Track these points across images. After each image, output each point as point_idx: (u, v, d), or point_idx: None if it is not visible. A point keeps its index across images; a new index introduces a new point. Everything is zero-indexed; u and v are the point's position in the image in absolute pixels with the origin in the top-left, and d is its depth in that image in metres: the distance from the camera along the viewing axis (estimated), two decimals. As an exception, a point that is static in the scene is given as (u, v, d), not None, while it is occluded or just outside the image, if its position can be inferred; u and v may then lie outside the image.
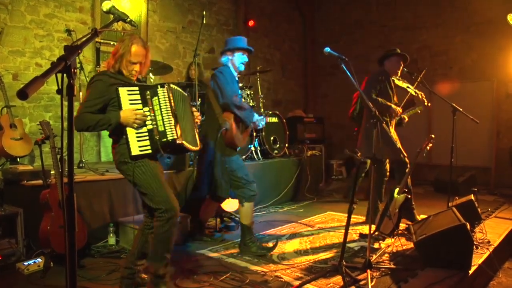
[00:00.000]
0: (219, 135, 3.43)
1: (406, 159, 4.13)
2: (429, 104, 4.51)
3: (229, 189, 3.56)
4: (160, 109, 2.49)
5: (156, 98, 2.50)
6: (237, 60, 3.56)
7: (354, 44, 8.61)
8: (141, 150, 2.45)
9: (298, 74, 9.22)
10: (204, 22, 5.13)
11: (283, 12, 8.76)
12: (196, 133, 2.84)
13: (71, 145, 1.34)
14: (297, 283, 2.79)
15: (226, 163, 3.48)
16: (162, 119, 2.49)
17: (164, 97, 2.50)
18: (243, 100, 3.91)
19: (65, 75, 1.31)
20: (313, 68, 9.33)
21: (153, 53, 6.26)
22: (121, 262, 2.87)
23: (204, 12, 5.10)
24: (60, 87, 1.30)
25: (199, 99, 5.40)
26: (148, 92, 2.50)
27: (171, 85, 2.60)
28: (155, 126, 2.48)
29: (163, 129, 2.48)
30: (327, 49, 3.26)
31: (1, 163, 4.27)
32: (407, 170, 3.95)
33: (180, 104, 2.66)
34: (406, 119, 5.28)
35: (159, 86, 2.53)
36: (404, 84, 4.32)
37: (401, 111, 4.17)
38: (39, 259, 3.10)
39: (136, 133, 2.46)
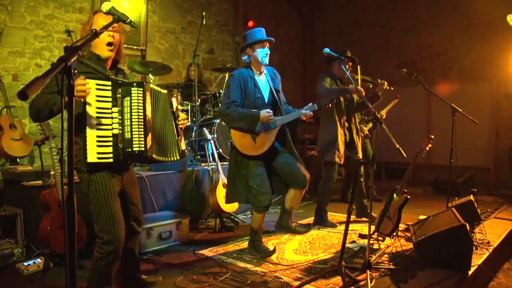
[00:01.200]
0: (230, 145, 3.41)
1: (338, 160, 4.18)
2: (391, 88, 4.50)
3: (244, 195, 3.47)
4: (131, 112, 2.14)
5: (128, 98, 2.15)
6: (259, 55, 3.38)
7: (354, 44, 8.59)
8: (99, 158, 2.09)
9: (297, 75, 9.23)
10: (204, 22, 5.14)
11: (282, 13, 8.77)
12: (177, 141, 2.47)
13: (71, 145, 1.34)
14: (296, 283, 2.79)
15: (243, 168, 3.39)
16: (131, 125, 2.14)
17: (138, 99, 2.16)
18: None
19: (65, 76, 1.31)
20: (312, 69, 9.33)
21: (152, 54, 6.28)
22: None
23: (204, 13, 5.11)
24: (60, 88, 1.30)
25: (199, 100, 5.41)
26: (120, 89, 2.16)
27: (151, 85, 2.27)
28: (120, 131, 2.14)
29: (129, 136, 2.14)
30: (327, 50, 3.27)
31: (0, 163, 4.27)
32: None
33: (158, 109, 2.33)
34: (384, 115, 5.36)
35: (135, 84, 2.18)
36: (356, 77, 4.37)
37: (363, 91, 4.16)
38: (38, 260, 3.11)
39: (98, 136, 2.09)
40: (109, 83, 2.15)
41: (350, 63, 4.34)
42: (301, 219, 4.68)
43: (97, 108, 2.10)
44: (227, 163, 4.71)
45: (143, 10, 6.11)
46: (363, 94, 4.01)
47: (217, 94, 5.39)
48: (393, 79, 7.97)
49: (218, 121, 5.00)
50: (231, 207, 4.24)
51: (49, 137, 3.17)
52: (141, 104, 2.16)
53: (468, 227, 2.95)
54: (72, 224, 1.38)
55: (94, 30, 1.59)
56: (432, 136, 3.60)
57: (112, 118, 2.14)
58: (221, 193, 4.22)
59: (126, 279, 2.63)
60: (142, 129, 2.16)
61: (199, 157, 5.08)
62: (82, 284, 2.74)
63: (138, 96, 2.16)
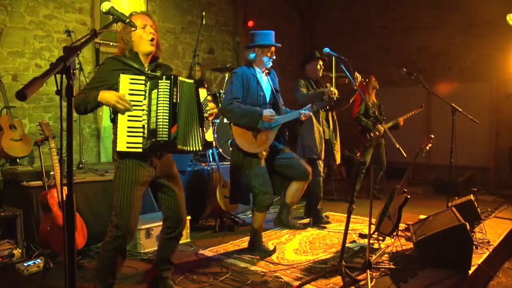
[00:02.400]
0: (231, 144, 3.41)
1: (316, 157, 4.29)
2: (366, 80, 4.58)
3: (248, 196, 3.48)
4: (157, 104, 2.25)
5: (155, 91, 2.27)
6: (266, 58, 3.43)
7: (353, 45, 8.61)
8: (128, 147, 2.21)
9: (297, 75, 9.20)
10: (204, 22, 5.14)
11: (282, 13, 8.77)
12: (200, 131, 2.45)
13: (70, 146, 1.34)
14: (296, 283, 2.79)
15: (246, 167, 3.39)
16: (156, 116, 2.24)
17: (165, 91, 2.26)
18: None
19: (64, 76, 1.31)
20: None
21: (152, 54, 6.26)
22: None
23: (204, 13, 5.11)
24: (59, 88, 1.30)
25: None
26: (149, 83, 2.28)
27: (179, 78, 2.34)
28: (146, 123, 2.26)
29: (154, 127, 2.24)
30: (326, 50, 3.28)
31: (0, 164, 4.27)
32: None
33: (183, 99, 2.36)
34: (402, 122, 5.45)
35: (164, 77, 2.29)
36: (330, 75, 4.43)
37: (336, 91, 4.21)
38: (38, 260, 3.10)
39: (128, 126, 2.21)
40: (143, 77, 2.28)
41: (321, 62, 4.48)
42: (301, 219, 4.67)
43: (130, 101, 2.22)
44: (227, 163, 4.74)
45: (143, 10, 6.10)
46: (336, 95, 4.11)
47: (217, 94, 5.39)
48: (393, 79, 8.00)
49: (218, 121, 5.00)
50: (231, 207, 4.24)
51: (49, 138, 3.17)
52: (167, 96, 2.26)
53: (468, 226, 2.95)
54: (71, 224, 1.38)
55: (93, 30, 1.58)
56: (432, 136, 3.61)
57: (143, 110, 2.26)
58: (221, 193, 4.23)
59: (155, 282, 2.65)
60: (167, 121, 2.24)
61: (199, 157, 5.09)
62: (81, 285, 2.75)
63: (165, 89, 2.26)
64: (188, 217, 3.93)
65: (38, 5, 5.04)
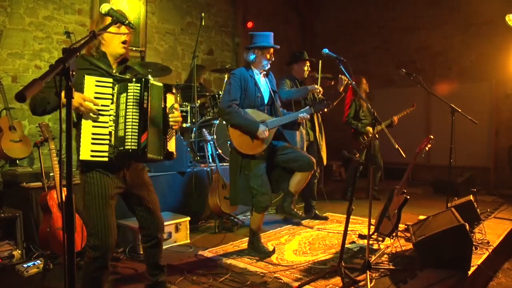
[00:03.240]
0: (229, 145, 3.39)
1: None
2: (352, 82, 4.64)
3: (247, 197, 3.43)
4: (126, 109, 2.06)
5: (124, 95, 2.07)
6: (265, 60, 3.43)
7: (353, 45, 8.61)
8: (93, 156, 2.02)
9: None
10: (203, 23, 5.15)
11: (281, 13, 8.77)
12: (163, 139, 2.29)
13: (70, 146, 1.34)
14: (296, 284, 2.79)
15: (245, 169, 3.38)
16: (125, 122, 2.06)
17: (135, 95, 2.08)
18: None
19: (63, 77, 1.31)
20: (312, 70, 9.33)
21: (151, 55, 6.28)
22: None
23: (203, 14, 5.12)
24: (58, 90, 1.30)
25: (198, 101, 5.42)
26: (117, 86, 2.09)
27: (151, 81, 2.18)
28: (113, 129, 2.07)
29: (122, 134, 2.06)
30: (326, 50, 3.27)
31: (0, 165, 4.27)
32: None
33: (153, 104, 2.21)
34: (396, 121, 5.49)
35: (133, 80, 2.11)
36: (316, 75, 4.48)
37: (320, 89, 4.27)
38: (38, 261, 3.10)
39: (93, 133, 2.02)
40: (110, 79, 2.10)
41: (309, 63, 4.55)
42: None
43: (95, 105, 2.05)
44: (227, 164, 4.74)
45: (142, 12, 6.11)
46: (321, 93, 4.19)
47: (216, 96, 5.40)
48: (393, 79, 8.01)
49: (217, 122, 5.00)
50: (230, 208, 4.24)
51: (49, 139, 3.17)
52: (137, 100, 2.09)
53: (467, 227, 2.95)
54: (71, 225, 1.38)
55: (92, 32, 1.59)
56: (432, 136, 3.61)
57: (110, 115, 2.08)
58: (220, 194, 4.23)
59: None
60: (136, 127, 2.07)
61: (198, 158, 5.08)
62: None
63: (134, 92, 2.09)
64: (188, 218, 3.95)
65: (38, 7, 5.05)
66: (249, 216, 4.79)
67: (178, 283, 2.86)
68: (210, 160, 4.75)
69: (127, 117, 2.07)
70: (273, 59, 3.48)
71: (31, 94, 1.15)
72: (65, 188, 1.40)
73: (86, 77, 2.02)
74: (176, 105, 2.37)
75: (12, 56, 4.85)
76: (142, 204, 2.39)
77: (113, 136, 2.07)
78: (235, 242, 3.84)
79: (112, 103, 2.08)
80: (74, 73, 1.32)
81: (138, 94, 2.10)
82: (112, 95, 2.09)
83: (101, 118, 2.06)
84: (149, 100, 2.15)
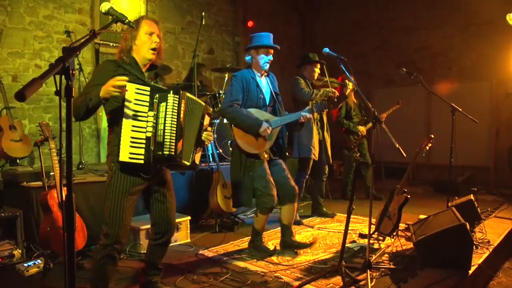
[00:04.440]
0: (231, 145, 3.38)
1: (313, 157, 4.41)
2: (355, 88, 4.71)
3: (251, 198, 3.42)
4: (165, 117, 2.22)
5: (164, 104, 2.23)
6: (261, 60, 3.41)
7: (353, 45, 8.61)
8: (131, 158, 2.17)
9: (297, 75, 9.22)
10: (203, 23, 5.14)
11: (282, 13, 8.77)
12: (194, 150, 2.49)
13: (70, 146, 1.34)
14: (297, 283, 2.79)
15: (249, 169, 3.36)
16: (164, 129, 2.21)
17: (174, 105, 2.23)
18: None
19: (63, 76, 1.30)
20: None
21: (152, 54, 6.27)
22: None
23: (203, 13, 5.11)
24: (58, 89, 1.30)
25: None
26: (157, 95, 2.23)
27: (187, 94, 2.33)
28: (153, 135, 2.21)
29: (161, 140, 2.21)
30: (326, 50, 3.27)
31: (0, 164, 4.27)
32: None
33: (191, 117, 2.40)
34: (383, 118, 5.52)
35: (171, 91, 2.26)
36: (325, 79, 4.54)
37: (336, 92, 4.31)
38: (39, 261, 3.10)
39: (132, 137, 2.17)
40: (148, 88, 2.23)
41: (318, 65, 4.57)
42: (301, 219, 4.66)
43: (134, 111, 2.18)
44: (227, 163, 4.74)
45: (143, 11, 6.11)
46: (336, 95, 4.21)
47: (217, 95, 5.39)
48: (393, 79, 8.01)
49: (218, 121, 5.00)
50: (231, 207, 4.24)
51: (49, 138, 3.17)
52: (176, 110, 2.24)
53: (468, 226, 2.95)
54: (71, 225, 1.38)
55: (92, 31, 1.58)
56: (432, 136, 3.60)
57: (147, 121, 2.22)
58: (221, 193, 4.23)
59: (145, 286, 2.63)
60: (174, 134, 2.23)
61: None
62: (81, 285, 2.75)
63: (173, 103, 2.24)
64: (188, 217, 3.95)
65: (38, 6, 5.05)
66: (249, 216, 4.81)
67: (179, 282, 2.86)
68: (211, 160, 4.75)
69: (166, 124, 2.22)
70: (271, 58, 3.46)
71: (31, 93, 1.15)
72: (65, 188, 1.40)
73: (129, 84, 2.13)
74: (210, 128, 2.63)
75: (13, 55, 4.85)
76: (162, 200, 2.49)
77: (151, 141, 2.20)
78: (235, 242, 3.84)
79: (150, 110, 2.22)
80: (73, 72, 1.31)
81: (177, 105, 2.25)
82: (152, 103, 2.22)
83: (139, 124, 2.21)
84: (186, 111, 2.32)
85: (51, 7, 5.17)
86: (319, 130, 4.57)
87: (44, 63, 5.09)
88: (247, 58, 3.46)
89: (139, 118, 2.20)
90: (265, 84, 3.52)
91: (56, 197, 3.09)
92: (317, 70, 4.58)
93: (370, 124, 5.55)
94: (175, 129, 2.23)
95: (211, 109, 2.61)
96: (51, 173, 3.39)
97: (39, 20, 5.07)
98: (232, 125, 3.39)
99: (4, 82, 4.29)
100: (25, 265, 3.05)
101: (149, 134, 2.21)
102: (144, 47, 2.33)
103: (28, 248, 3.36)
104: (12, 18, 4.83)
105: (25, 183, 3.54)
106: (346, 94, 4.51)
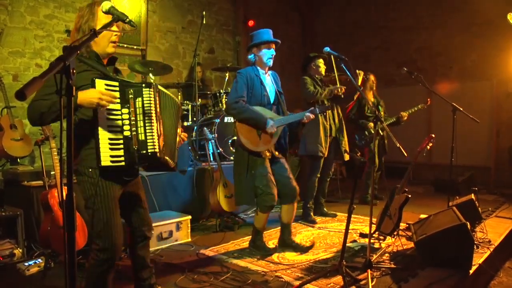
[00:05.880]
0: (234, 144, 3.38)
1: (321, 154, 4.42)
2: (367, 76, 4.71)
3: (252, 196, 3.41)
4: (143, 113, 2.06)
5: (139, 99, 2.07)
6: (264, 56, 3.40)
7: (353, 44, 8.60)
8: (113, 161, 1.99)
9: (297, 75, 9.20)
10: (204, 22, 5.15)
11: (282, 13, 8.76)
12: (176, 148, 2.38)
13: (70, 145, 1.33)
14: (297, 283, 2.79)
15: (251, 167, 3.36)
16: (144, 126, 2.06)
17: (150, 100, 2.08)
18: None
19: (64, 75, 1.30)
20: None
21: (153, 54, 6.28)
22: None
23: (204, 13, 5.11)
24: (58, 88, 1.30)
25: (199, 99, 5.41)
26: (131, 90, 2.06)
27: (159, 87, 2.19)
28: (134, 133, 2.04)
29: (143, 138, 2.05)
30: (327, 49, 3.27)
31: (1, 163, 4.27)
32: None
33: (168, 112, 2.27)
34: (406, 117, 5.44)
35: (144, 85, 2.10)
36: (333, 75, 4.56)
37: (343, 88, 4.37)
38: (39, 260, 3.11)
39: (110, 138, 1.99)
40: (117, 83, 2.06)
41: (321, 60, 4.58)
42: (302, 219, 4.66)
43: (108, 109, 2.01)
44: (227, 162, 4.74)
45: (143, 10, 6.11)
46: (343, 91, 4.31)
47: (218, 94, 5.39)
48: (394, 78, 7.99)
49: (218, 120, 5.00)
50: (231, 207, 4.24)
51: (50, 137, 3.17)
52: (153, 106, 2.10)
53: (469, 226, 2.95)
54: (72, 224, 1.38)
55: (93, 30, 1.58)
56: (433, 135, 3.60)
57: (122, 119, 2.05)
58: (221, 192, 4.22)
59: None
60: (155, 131, 2.08)
61: (199, 156, 5.08)
62: (82, 284, 2.75)
63: (149, 97, 2.09)
64: (189, 217, 3.95)
65: (39, 5, 5.05)
66: (250, 215, 4.81)
67: (179, 281, 2.86)
68: (211, 159, 4.75)
69: (146, 121, 2.07)
70: (274, 52, 3.44)
71: (31, 92, 1.14)
72: (66, 187, 1.40)
73: (97, 80, 1.97)
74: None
75: (13, 55, 4.85)
76: (139, 203, 2.38)
77: (134, 140, 2.04)
78: (236, 241, 3.84)
79: (123, 107, 2.05)
80: (74, 71, 1.31)
81: (153, 99, 2.10)
82: (125, 100, 2.05)
83: (114, 123, 2.04)
84: (163, 106, 2.19)
85: (51, 6, 5.16)
86: (331, 126, 4.57)
87: (45, 62, 5.09)
88: (250, 56, 3.46)
89: (114, 117, 2.04)
90: (269, 82, 3.52)
91: (57, 196, 3.08)
92: (322, 65, 4.57)
93: (389, 121, 5.43)
94: (155, 125, 2.08)
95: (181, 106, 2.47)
96: (52, 172, 3.40)
97: (40, 20, 5.07)
98: (236, 122, 3.39)
99: (4, 82, 4.30)
100: (26, 264, 3.06)
101: (126, 133, 2.04)
102: (103, 40, 2.12)
103: (28, 247, 3.37)
104: (13, 17, 4.83)
105: (25, 182, 3.54)
106: (359, 84, 4.48)
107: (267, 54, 3.40)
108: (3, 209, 3.36)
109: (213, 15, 7.29)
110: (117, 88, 2.04)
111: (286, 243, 3.60)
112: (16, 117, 4.35)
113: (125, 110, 2.05)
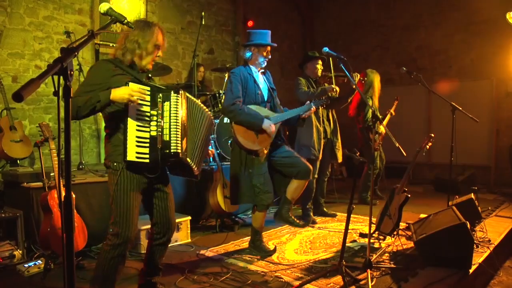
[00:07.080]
0: (231, 143, 3.39)
1: (314, 157, 4.38)
2: (364, 79, 4.68)
3: (249, 195, 3.42)
4: (170, 116, 2.25)
5: (167, 103, 2.27)
6: (261, 58, 3.44)
7: (353, 44, 8.61)
8: (138, 157, 2.18)
9: (297, 74, 9.19)
10: (203, 23, 5.14)
11: (282, 12, 8.76)
12: (201, 158, 2.55)
13: (68, 146, 1.33)
14: (297, 283, 2.79)
15: (249, 166, 3.37)
16: (170, 128, 2.24)
17: (176, 104, 2.27)
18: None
19: (61, 77, 1.30)
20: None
21: (152, 54, 6.27)
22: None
23: (203, 13, 5.11)
24: (56, 89, 1.29)
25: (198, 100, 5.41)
26: (160, 94, 2.27)
27: (187, 94, 2.40)
28: (160, 133, 2.23)
29: (167, 138, 2.23)
30: (326, 49, 3.27)
31: (1, 165, 4.27)
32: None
33: (194, 118, 2.45)
34: (393, 113, 5.45)
35: (173, 91, 2.30)
36: (329, 75, 4.55)
37: (337, 88, 4.34)
38: (39, 261, 3.11)
39: (137, 136, 2.19)
40: (148, 88, 2.25)
41: (320, 61, 4.56)
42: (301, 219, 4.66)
43: (138, 110, 2.21)
44: (227, 163, 4.73)
45: (143, 11, 6.11)
46: (338, 92, 4.31)
47: (217, 94, 5.39)
48: (393, 78, 8.00)
49: (218, 121, 5.00)
50: (231, 207, 4.24)
51: (49, 139, 3.17)
52: (179, 110, 2.29)
53: (469, 225, 2.95)
54: (70, 225, 1.38)
55: (90, 31, 1.58)
56: (432, 135, 3.60)
57: (150, 121, 2.24)
58: (221, 193, 4.23)
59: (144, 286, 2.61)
60: (179, 133, 2.26)
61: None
62: (81, 285, 2.75)
63: (176, 102, 2.28)
64: (189, 217, 3.95)
65: (38, 7, 5.05)
66: (250, 215, 4.80)
67: (179, 282, 2.86)
68: (211, 159, 4.75)
69: (172, 123, 2.25)
70: (270, 57, 3.48)
71: (28, 94, 1.14)
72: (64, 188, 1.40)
73: (131, 84, 2.15)
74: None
75: (13, 56, 4.86)
76: (164, 200, 2.49)
77: (158, 140, 2.23)
78: (236, 241, 3.84)
79: (152, 109, 2.24)
80: (72, 72, 1.31)
81: (179, 104, 2.30)
82: (154, 103, 2.25)
83: (143, 123, 2.23)
84: (189, 111, 2.40)
85: (50, 8, 5.17)
86: (325, 128, 4.56)
87: (44, 63, 5.09)
88: (248, 54, 3.46)
89: (143, 117, 2.23)
90: (262, 80, 3.54)
91: (57, 198, 3.09)
92: (319, 67, 4.56)
93: (385, 120, 5.41)
94: (179, 127, 2.27)
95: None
96: (52, 174, 3.40)
97: (39, 21, 5.07)
98: (233, 123, 3.39)
99: (4, 83, 4.30)
100: (26, 265, 3.05)
101: (153, 133, 2.23)
102: (148, 57, 2.40)
103: (28, 248, 3.36)
104: (12, 19, 4.84)
105: (25, 183, 3.54)
106: (354, 87, 4.45)
107: (264, 56, 3.45)
108: (3, 211, 3.36)
109: (212, 16, 7.29)
110: (149, 92, 2.25)
111: (283, 218, 3.58)
112: (15, 119, 4.36)
113: (153, 112, 2.25)
